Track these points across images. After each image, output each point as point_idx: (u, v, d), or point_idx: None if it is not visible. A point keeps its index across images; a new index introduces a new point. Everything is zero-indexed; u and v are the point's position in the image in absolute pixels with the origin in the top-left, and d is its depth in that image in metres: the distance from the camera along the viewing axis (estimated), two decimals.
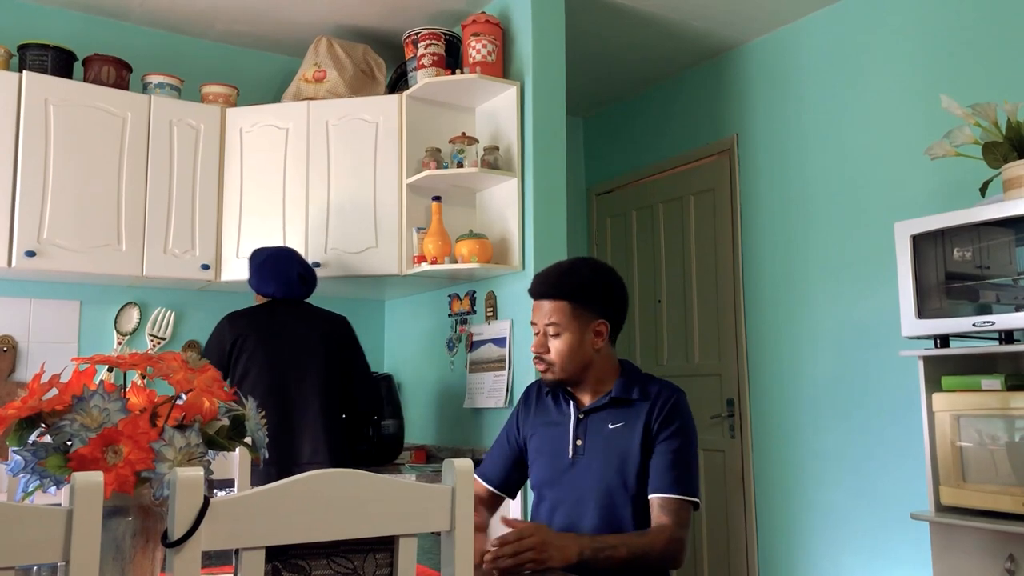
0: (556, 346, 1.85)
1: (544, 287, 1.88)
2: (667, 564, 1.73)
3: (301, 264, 2.98)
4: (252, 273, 2.97)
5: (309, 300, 3.03)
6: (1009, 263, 2.30)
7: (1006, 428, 2.18)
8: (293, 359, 2.84)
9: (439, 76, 3.15)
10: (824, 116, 3.42)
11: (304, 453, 2.78)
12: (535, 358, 1.89)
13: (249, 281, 2.98)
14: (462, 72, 3.16)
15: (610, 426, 1.84)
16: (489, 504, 2.03)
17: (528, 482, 2.02)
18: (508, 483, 2.02)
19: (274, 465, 2.64)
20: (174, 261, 3.21)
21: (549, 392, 1.96)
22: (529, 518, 2.00)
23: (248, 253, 3.30)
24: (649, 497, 1.78)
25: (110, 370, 3.08)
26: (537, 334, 1.88)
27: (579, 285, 1.86)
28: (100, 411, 0.97)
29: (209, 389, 1.04)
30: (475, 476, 2.01)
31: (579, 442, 1.86)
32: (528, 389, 2.04)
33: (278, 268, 2.94)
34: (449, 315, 3.49)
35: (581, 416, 1.88)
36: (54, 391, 1.01)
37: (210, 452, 1.03)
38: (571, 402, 1.91)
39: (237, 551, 0.90)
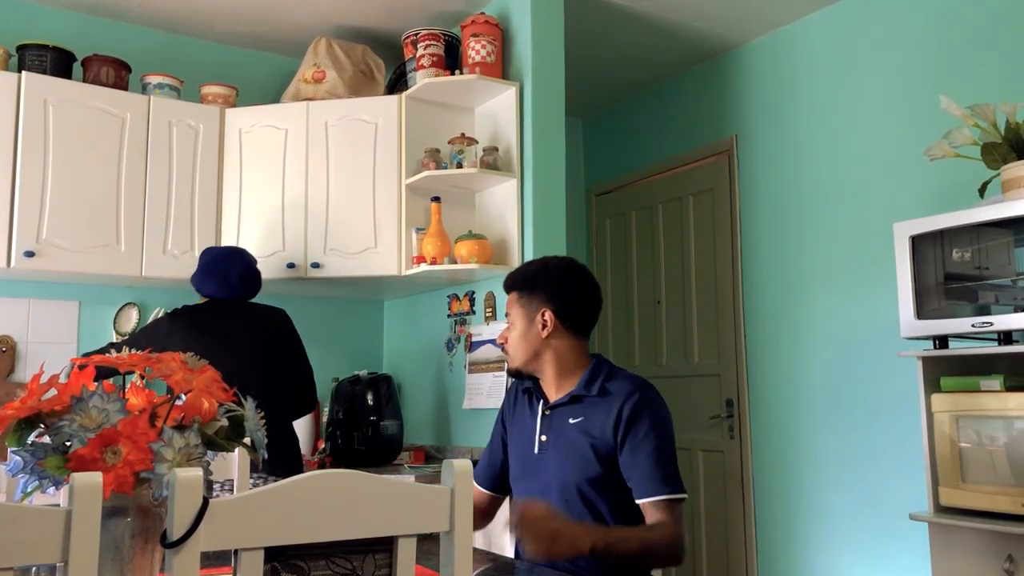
0: (510, 336, 1.95)
1: (504, 283, 2.03)
2: (671, 561, 1.75)
3: (243, 264, 2.95)
4: (196, 272, 2.95)
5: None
6: (1008, 264, 2.30)
7: (1005, 429, 2.18)
8: (234, 363, 2.75)
9: (438, 77, 3.15)
10: (823, 117, 3.42)
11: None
12: (500, 345, 2.02)
13: (192, 279, 2.96)
14: (461, 73, 3.16)
15: (571, 421, 1.88)
16: (486, 507, 2.06)
17: None
18: (502, 482, 2.04)
19: None
20: (173, 261, 3.21)
21: (525, 391, 2.01)
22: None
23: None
24: (639, 503, 1.78)
25: None
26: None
27: (524, 276, 1.98)
28: (99, 412, 0.97)
29: (208, 389, 1.04)
30: None
31: (543, 437, 1.90)
32: (509, 389, 2.10)
33: (218, 268, 2.91)
34: (448, 316, 3.49)
35: (547, 412, 1.92)
36: (53, 391, 1.01)
37: (209, 453, 1.03)
38: (540, 399, 1.95)
39: (236, 551, 0.90)
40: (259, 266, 3.27)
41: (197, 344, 2.71)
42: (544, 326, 1.91)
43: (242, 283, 2.92)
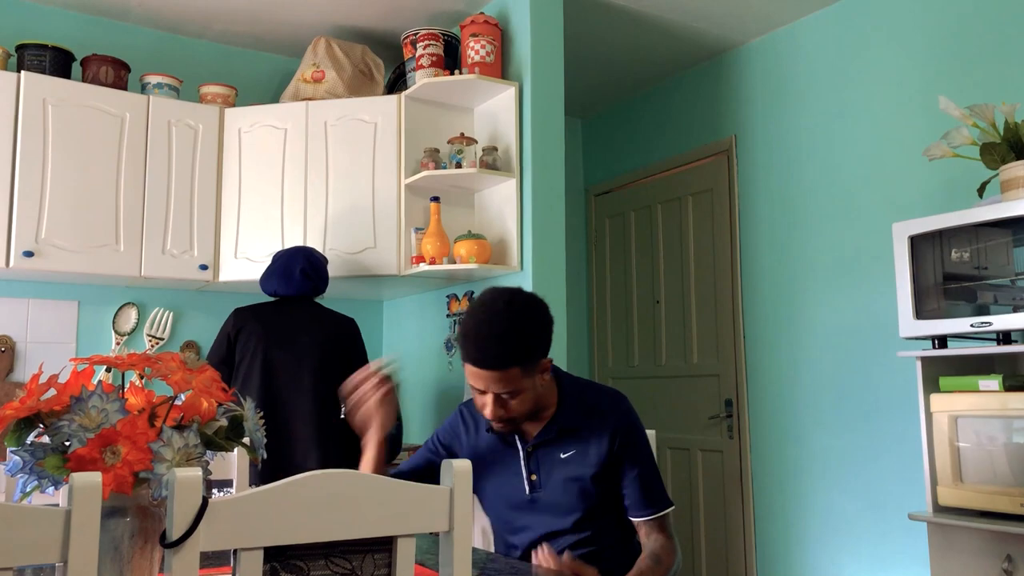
0: (515, 405, 1.72)
1: (488, 358, 1.67)
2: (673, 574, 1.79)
3: (307, 260, 2.96)
4: (262, 273, 3.00)
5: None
6: (1007, 264, 2.30)
7: (1004, 429, 2.18)
8: (290, 359, 2.83)
9: (437, 76, 3.15)
10: (822, 117, 3.42)
11: (296, 455, 2.77)
12: (495, 419, 1.74)
13: (259, 281, 3.01)
14: (460, 73, 3.16)
15: (562, 456, 1.80)
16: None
17: (488, 522, 1.98)
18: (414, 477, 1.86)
19: (264, 467, 2.63)
20: (172, 261, 3.21)
21: (489, 428, 1.84)
22: (494, 536, 1.98)
23: (246, 254, 3.31)
24: (635, 520, 1.81)
25: (108, 370, 3.08)
26: (485, 394, 1.72)
27: (524, 348, 1.70)
28: (98, 412, 0.97)
29: (207, 390, 1.04)
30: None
31: (534, 477, 1.81)
32: (460, 415, 1.93)
33: (281, 265, 2.95)
34: (447, 315, 3.49)
35: (530, 450, 1.81)
36: (52, 391, 1.01)
37: (208, 452, 1.03)
38: (515, 436, 1.82)
39: (235, 551, 0.90)
40: (257, 265, 3.27)
41: (267, 341, 2.82)
42: (544, 371, 1.76)
43: (304, 277, 2.92)
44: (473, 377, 1.70)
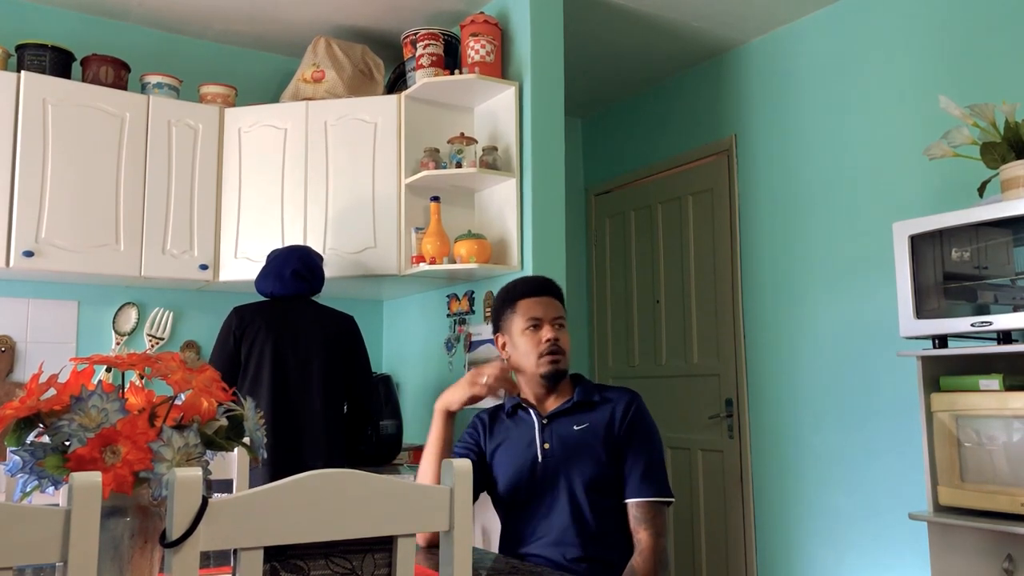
0: (564, 338, 1.97)
1: (547, 287, 2.03)
2: (660, 572, 1.82)
3: (300, 261, 2.95)
4: (258, 273, 3.00)
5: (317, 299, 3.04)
6: (1007, 263, 2.30)
7: (1004, 428, 2.18)
8: (297, 358, 2.83)
9: (438, 76, 3.15)
10: (823, 116, 3.42)
11: (304, 454, 2.78)
12: (551, 348, 1.94)
13: (254, 282, 3.01)
14: (461, 72, 3.16)
15: (575, 428, 1.92)
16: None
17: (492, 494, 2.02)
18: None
19: (273, 465, 2.65)
20: (172, 261, 3.21)
21: (507, 413, 2.02)
22: (501, 527, 2.00)
23: (246, 253, 3.31)
24: (627, 502, 1.85)
25: (108, 370, 3.08)
26: (541, 327, 1.96)
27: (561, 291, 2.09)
28: (98, 411, 0.97)
29: (207, 389, 1.04)
30: None
31: (547, 445, 1.92)
32: (480, 418, 2.07)
33: (273, 265, 2.95)
34: (448, 315, 3.49)
35: (546, 421, 1.95)
36: (52, 391, 1.01)
37: (208, 452, 1.03)
38: (531, 410, 1.98)
39: (235, 551, 0.90)
40: (258, 265, 3.26)
41: (273, 338, 2.81)
42: None
43: (296, 279, 2.91)
44: (535, 308, 1.97)
